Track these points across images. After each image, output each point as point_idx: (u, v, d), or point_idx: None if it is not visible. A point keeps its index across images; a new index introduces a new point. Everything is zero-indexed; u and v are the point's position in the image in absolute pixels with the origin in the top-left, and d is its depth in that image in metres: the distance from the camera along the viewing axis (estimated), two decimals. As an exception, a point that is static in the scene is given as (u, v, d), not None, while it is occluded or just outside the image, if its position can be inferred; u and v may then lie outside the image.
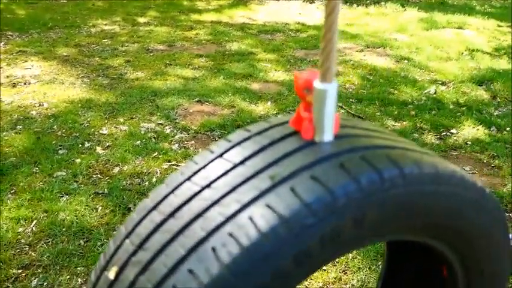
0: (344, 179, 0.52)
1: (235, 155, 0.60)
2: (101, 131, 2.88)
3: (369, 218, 0.54)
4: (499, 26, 6.27)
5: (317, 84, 0.56)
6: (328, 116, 0.57)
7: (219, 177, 0.59)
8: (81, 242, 1.91)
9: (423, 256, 0.78)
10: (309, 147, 0.58)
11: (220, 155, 0.62)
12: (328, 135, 0.58)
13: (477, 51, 4.96)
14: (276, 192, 0.53)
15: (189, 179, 0.62)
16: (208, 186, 0.59)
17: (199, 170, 0.63)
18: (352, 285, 1.77)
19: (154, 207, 0.63)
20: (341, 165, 0.54)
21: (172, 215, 0.59)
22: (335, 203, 0.51)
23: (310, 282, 1.76)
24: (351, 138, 0.60)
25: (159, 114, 3.16)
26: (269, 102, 3.44)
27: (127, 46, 4.85)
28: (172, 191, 0.62)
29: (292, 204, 0.51)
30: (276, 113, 3.28)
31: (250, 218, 0.51)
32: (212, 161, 0.63)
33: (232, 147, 0.62)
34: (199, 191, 0.59)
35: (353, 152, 0.57)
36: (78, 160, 2.51)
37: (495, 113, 3.47)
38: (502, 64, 4.59)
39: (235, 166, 0.59)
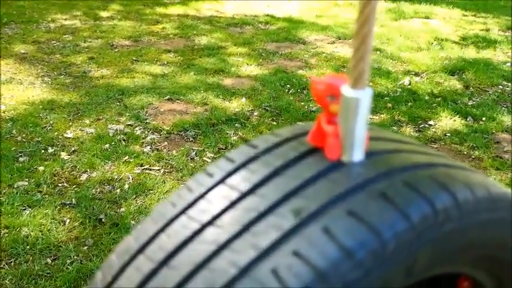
0: (390, 214, 0.41)
1: (242, 180, 0.48)
2: (65, 135, 2.67)
3: (420, 263, 0.42)
4: (464, 15, 6.36)
5: (346, 90, 0.45)
6: (360, 130, 0.45)
7: (224, 211, 0.46)
8: (48, 260, 1.73)
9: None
10: (337, 170, 0.46)
11: (222, 180, 0.49)
12: (358, 154, 0.46)
13: (446, 40, 4.99)
14: (305, 234, 0.40)
15: (183, 212, 0.49)
16: (210, 223, 0.46)
17: (196, 201, 0.49)
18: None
19: (140, 250, 0.48)
20: (382, 194, 0.42)
21: (165, 263, 0.45)
22: (384, 248, 0.39)
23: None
24: (383, 156, 0.49)
25: (127, 114, 2.97)
26: (243, 99, 3.31)
27: (90, 42, 4.60)
28: (162, 229, 0.48)
29: (329, 251, 0.39)
30: (251, 110, 3.16)
31: (274, 272, 0.39)
32: (212, 187, 0.49)
33: (237, 169, 0.49)
34: (200, 230, 0.46)
35: (392, 175, 0.45)
36: (41, 168, 2.31)
37: (469, 103, 3.47)
38: (471, 53, 4.63)
39: (243, 196, 0.46)
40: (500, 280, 0.62)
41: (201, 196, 0.49)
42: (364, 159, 0.47)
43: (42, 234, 1.85)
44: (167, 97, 3.27)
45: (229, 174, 0.50)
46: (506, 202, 0.51)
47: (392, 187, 0.43)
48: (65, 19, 5.49)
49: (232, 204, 0.46)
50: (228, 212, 0.46)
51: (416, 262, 0.42)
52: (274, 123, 3.00)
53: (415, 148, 0.54)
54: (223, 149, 2.62)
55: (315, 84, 0.48)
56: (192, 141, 2.71)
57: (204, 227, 0.46)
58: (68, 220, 1.95)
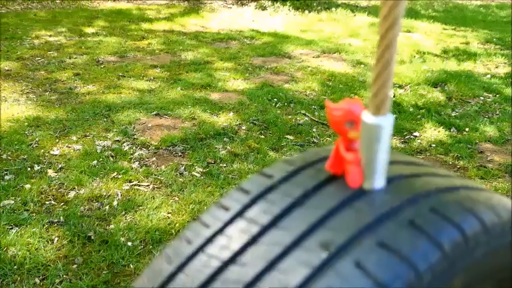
0: (422, 243, 0.39)
1: (261, 213, 0.45)
2: (51, 152, 2.64)
3: None
4: (444, 29, 6.51)
5: (367, 117, 0.44)
6: (382, 156, 0.44)
7: (245, 247, 0.43)
8: (37, 280, 1.70)
9: None
10: (360, 199, 0.44)
11: (240, 214, 0.47)
12: (380, 181, 0.45)
13: (428, 53, 5.11)
14: (337, 270, 0.38)
15: (201, 249, 0.45)
16: (232, 260, 0.43)
17: (213, 236, 0.46)
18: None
19: None
20: (411, 223, 0.41)
21: None
22: (420, 280, 0.38)
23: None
24: (404, 181, 0.47)
25: (115, 130, 2.95)
26: (231, 113, 3.32)
27: (75, 58, 4.58)
28: (179, 269, 0.45)
29: (364, 287, 0.37)
30: (239, 124, 3.17)
31: None
32: (230, 222, 0.47)
33: (254, 201, 0.47)
34: (222, 268, 0.42)
35: (417, 202, 0.44)
36: (27, 186, 2.27)
37: (453, 114, 3.54)
38: (452, 66, 4.74)
39: (265, 230, 0.44)
40: None
41: (219, 232, 0.46)
42: (385, 186, 0.46)
43: (30, 254, 1.81)
44: (154, 112, 3.27)
45: (246, 206, 0.47)
46: None
47: (420, 214, 0.42)
48: (50, 35, 5.46)
49: (254, 239, 0.44)
50: (251, 248, 0.43)
51: None
52: (262, 136, 3.01)
53: (431, 170, 0.53)
54: (212, 163, 2.62)
55: (331, 110, 0.46)
56: (180, 156, 2.70)
57: (225, 265, 0.43)
58: (56, 238, 1.92)
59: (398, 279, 0.37)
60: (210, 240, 0.45)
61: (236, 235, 0.45)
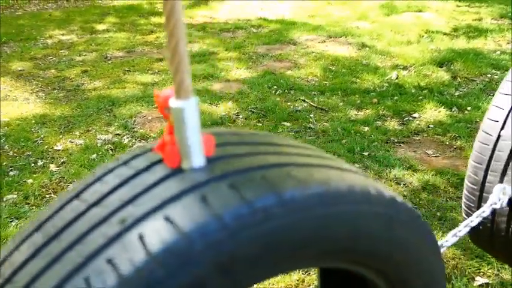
0: (203, 217, 0.43)
1: (93, 193, 0.51)
2: (55, 147, 2.76)
3: (240, 261, 0.45)
4: (458, 6, 6.33)
5: (173, 102, 0.48)
6: (193, 137, 0.48)
7: (69, 224, 0.49)
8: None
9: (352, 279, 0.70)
10: (174, 177, 0.48)
11: (77, 195, 0.52)
12: (197, 160, 0.49)
13: (437, 32, 4.99)
14: (123, 242, 0.43)
15: (37, 229, 0.51)
16: (55, 237, 0.48)
17: (50, 217, 0.52)
18: (316, 286, 1.72)
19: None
20: (203, 198, 0.45)
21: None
22: (190, 249, 0.42)
23: (272, 287, 1.71)
24: (227, 160, 0.51)
25: (116, 124, 3.06)
26: (230, 102, 3.37)
27: (85, 55, 4.71)
28: (16, 248, 0.52)
29: (137, 257, 0.41)
30: (237, 113, 3.22)
31: (86, 279, 0.42)
32: (67, 203, 0.52)
33: (92, 183, 0.52)
34: (44, 244, 0.48)
35: (223, 178, 0.48)
36: (30, 180, 2.40)
37: (456, 94, 3.48)
38: (461, 43, 4.63)
39: (89, 208, 0.49)
40: (387, 277, 0.64)
41: (57, 211, 0.52)
42: (205, 165, 0.49)
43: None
44: (155, 105, 3.35)
45: (84, 189, 0.53)
46: (352, 195, 0.52)
47: (217, 190, 0.46)
48: (62, 34, 5.62)
49: (76, 218, 0.49)
50: (71, 226, 0.48)
51: (234, 260, 0.44)
52: (260, 124, 3.05)
53: (276, 149, 0.56)
54: (207, 152, 2.68)
55: (156, 98, 0.51)
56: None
57: (49, 240, 0.49)
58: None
59: (167, 249, 0.42)
60: (48, 219, 0.52)
61: (68, 214, 0.50)
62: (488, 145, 1.03)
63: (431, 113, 3.16)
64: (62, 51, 4.92)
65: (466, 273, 1.77)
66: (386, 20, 5.69)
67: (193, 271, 0.43)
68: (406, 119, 3.11)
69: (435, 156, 2.63)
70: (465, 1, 6.63)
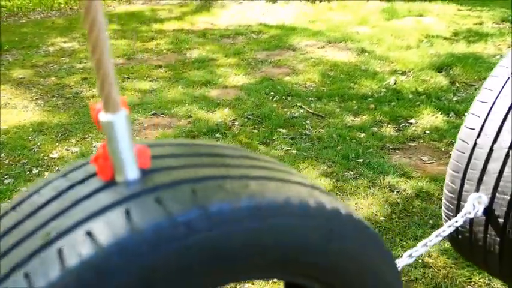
0: (123, 231, 0.43)
1: (29, 205, 0.51)
2: (50, 155, 2.78)
3: (164, 274, 0.45)
4: (459, 10, 6.30)
5: (102, 115, 0.47)
6: (125, 150, 0.47)
7: (5, 233, 0.49)
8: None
9: None
10: (105, 190, 0.48)
11: (14, 207, 0.52)
12: (131, 173, 0.49)
13: (437, 37, 4.97)
14: (42, 257, 0.43)
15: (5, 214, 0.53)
16: None
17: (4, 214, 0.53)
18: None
19: None
20: (127, 212, 0.45)
21: None
22: (107, 264, 0.42)
23: (259, 296, 1.70)
24: (161, 173, 0.50)
25: (112, 131, 3.07)
26: (226, 109, 3.37)
27: (85, 63, 4.75)
28: None
29: (52, 272, 0.41)
30: (234, 119, 3.22)
31: None
32: (4, 215, 0.53)
33: (30, 195, 0.53)
34: None
35: (152, 192, 0.47)
36: (24, 188, 2.41)
37: (454, 99, 3.46)
38: (461, 48, 4.60)
39: (22, 220, 0.49)
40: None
41: (4, 214, 0.53)
42: (140, 178, 0.49)
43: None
44: (152, 112, 3.36)
45: (22, 201, 0.53)
46: (289, 207, 0.51)
47: (142, 204, 0.46)
48: (64, 42, 5.67)
49: (13, 227, 0.50)
50: (3, 238, 0.49)
51: (155, 273, 0.44)
52: (255, 131, 3.05)
53: (218, 161, 0.56)
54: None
55: (91, 111, 0.50)
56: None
57: None
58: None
59: (83, 264, 0.42)
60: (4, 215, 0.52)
61: (5, 222, 0.51)
62: (464, 153, 1.02)
63: (428, 118, 3.14)
64: (63, 58, 4.96)
65: (457, 282, 1.75)
66: (387, 24, 5.68)
67: (112, 285, 0.42)
68: (403, 124, 3.09)
69: (430, 163, 2.61)
70: (467, 5, 6.60)
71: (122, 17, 6.99)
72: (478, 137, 0.99)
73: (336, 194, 2.30)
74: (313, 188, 0.58)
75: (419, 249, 0.92)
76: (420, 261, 1.85)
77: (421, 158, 2.67)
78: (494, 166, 0.96)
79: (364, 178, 2.43)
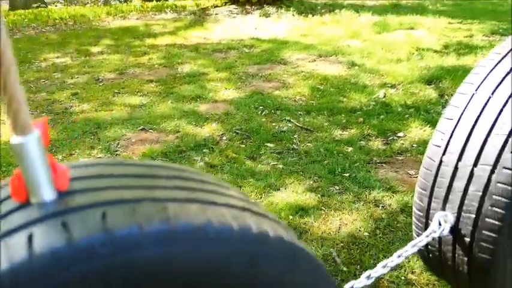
0: (20, 255, 0.42)
1: None
2: (36, 172, 2.76)
3: None
4: (450, 23, 6.36)
5: (12, 138, 0.47)
6: (38, 172, 0.47)
7: None
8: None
9: None
10: (17, 211, 0.48)
11: None
12: (46, 194, 0.48)
13: (427, 50, 5.00)
14: None
15: None
16: None
17: None
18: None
19: None
20: (29, 236, 0.44)
21: None
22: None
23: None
24: (77, 195, 0.50)
25: (100, 147, 3.06)
26: (215, 124, 3.37)
27: (76, 78, 4.76)
28: None
29: None
30: (222, 134, 3.21)
31: None
32: None
33: None
34: None
35: (61, 215, 0.46)
36: None
37: (442, 112, 3.46)
38: (450, 61, 4.62)
39: None
40: None
41: None
42: (54, 200, 0.48)
43: None
44: (140, 127, 3.36)
45: None
46: (203, 232, 0.50)
47: (46, 228, 0.45)
48: (57, 57, 5.69)
49: None
50: None
51: None
52: (243, 145, 3.04)
53: (147, 183, 0.55)
54: (187, 175, 2.67)
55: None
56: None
57: None
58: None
59: None
60: None
61: None
62: (431, 171, 1.01)
63: (416, 131, 3.14)
64: (54, 74, 4.97)
65: (440, 299, 1.72)
66: (378, 38, 5.71)
67: None
68: (391, 138, 3.09)
69: (416, 177, 2.59)
70: (457, 18, 6.66)
71: (116, 32, 7.03)
72: (443, 154, 0.98)
73: (321, 209, 2.28)
74: (243, 210, 0.57)
75: (378, 269, 0.90)
76: (403, 278, 1.83)
77: (408, 171, 2.66)
78: (459, 184, 0.95)
79: (350, 193, 2.41)
